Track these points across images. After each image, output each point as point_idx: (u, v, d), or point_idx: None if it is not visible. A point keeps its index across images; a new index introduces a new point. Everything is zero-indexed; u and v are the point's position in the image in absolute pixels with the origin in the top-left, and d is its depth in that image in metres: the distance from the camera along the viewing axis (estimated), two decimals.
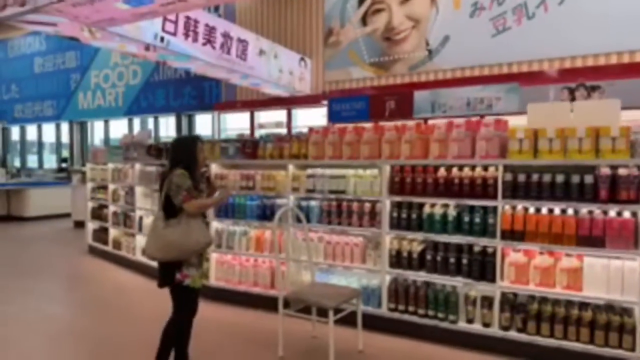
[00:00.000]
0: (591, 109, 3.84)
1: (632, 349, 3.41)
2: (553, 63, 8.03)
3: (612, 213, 3.55)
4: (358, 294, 3.90)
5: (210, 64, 8.10)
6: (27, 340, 4.32)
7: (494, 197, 3.83)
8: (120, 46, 7.27)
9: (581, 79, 7.41)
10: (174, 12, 6.70)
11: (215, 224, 5.47)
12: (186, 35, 7.41)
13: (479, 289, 3.99)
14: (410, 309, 4.26)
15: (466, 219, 4.00)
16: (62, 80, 16.16)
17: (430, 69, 9.23)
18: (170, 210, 3.30)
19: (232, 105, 11.78)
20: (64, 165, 15.56)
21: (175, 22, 7.16)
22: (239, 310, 5.07)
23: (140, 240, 6.75)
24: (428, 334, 4.16)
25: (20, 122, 17.83)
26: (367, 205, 4.50)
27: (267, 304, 4.92)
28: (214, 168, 5.48)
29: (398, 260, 4.33)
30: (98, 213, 8.19)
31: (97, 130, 16.38)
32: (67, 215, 11.83)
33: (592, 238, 3.51)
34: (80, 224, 10.39)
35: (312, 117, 10.72)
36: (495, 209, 3.88)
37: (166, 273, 3.32)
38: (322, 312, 3.83)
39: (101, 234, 7.99)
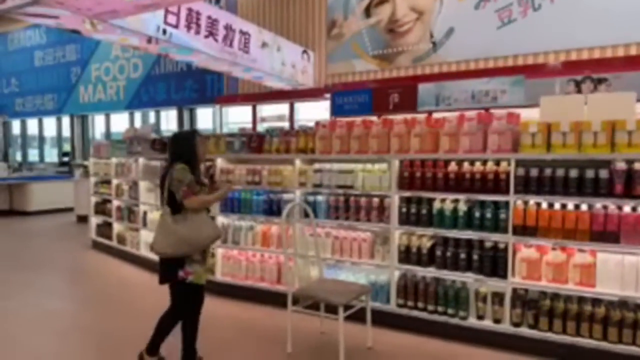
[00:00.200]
0: (606, 101, 3.76)
1: None
2: (559, 55, 7.94)
3: (627, 208, 3.49)
4: (367, 291, 3.85)
5: (212, 57, 8.02)
6: (31, 336, 4.28)
7: (506, 192, 3.77)
8: (121, 39, 7.19)
9: (587, 72, 7.32)
10: (176, 3, 6.63)
11: (221, 219, 5.42)
12: (188, 28, 7.33)
13: (490, 285, 3.94)
14: (420, 305, 4.21)
15: (477, 214, 3.94)
16: (62, 73, 16.06)
17: (434, 62, 9.14)
18: (174, 205, 3.26)
19: (234, 98, 11.69)
20: (65, 159, 15.50)
21: (178, 15, 7.07)
22: (246, 305, 5.03)
23: (145, 235, 6.71)
24: (438, 330, 4.12)
25: (21, 116, 17.76)
26: (376, 200, 4.44)
27: (273, 299, 4.88)
28: (220, 163, 5.42)
29: (407, 255, 4.27)
30: (101, 208, 8.15)
31: (98, 124, 16.30)
32: (70, 209, 11.81)
33: (606, 233, 3.45)
34: (83, 219, 10.34)
35: (314, 111, 10.63)
36: (507, 204, 3.81)
37: (168, 270, 3.29)
38: (331, 308, 3.80)
39: (105, 229, 7.95)
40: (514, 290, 3.84)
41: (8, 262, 7.23)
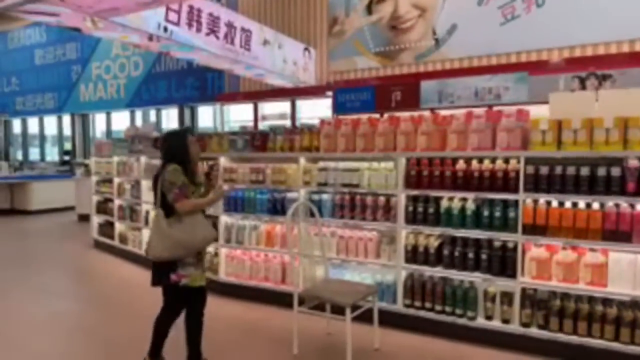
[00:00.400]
0: (617, 98, 3.68)
1: None
2: (563, 52, 7.87)
3: None
4: (374, 291, 3.79)
5: (213, 55, 7.95)
6: (33, 337, 4.24)
7: (515, 190, 3.71)
8: (122, 37, 7.12)
9: (592, 68, 7.25)
10: (177, 1, 6.55)
11: (225, 218, 5.37)
12: (190, 25, 7.26)
13: (499, 284, 3.88)
14: (427, 305, 4.15)
15: (485, 213, 3.88)
16: (63, 72, 15.99)
17: (437, 59, 9.07)
18: (168, 207, 3.19)
19: (235, 96, 11.62)
20: (66, 158, 15.44)
21: (179, 12, 7.00)
22: (250, 305, 4.98)
23: (147, 235, 6.64)
24: (445, 330, 4.06)
25: (22, 114, 17.69)
26: (382, 199, 4.38)
27: (278, 299, 4.83)
28: (223, 161, 5.36)
29: (414, 255, 4.21)
30: (103, 207, 8.10)
31: (99, 123, 16.24)
32: (71, 208, 11.76)
33: (618, 232, 3.39)
34: (84, 218, 10.29)
35: (316, 109, 10.58)
36: (516, 202, 3.75)
37: (160, 272, 3.23)
38: (336, 309, 3.74)
39: (107, 228, 7.90)
40: (523, 290, 3.78)
41: (9, 261, 7.17)
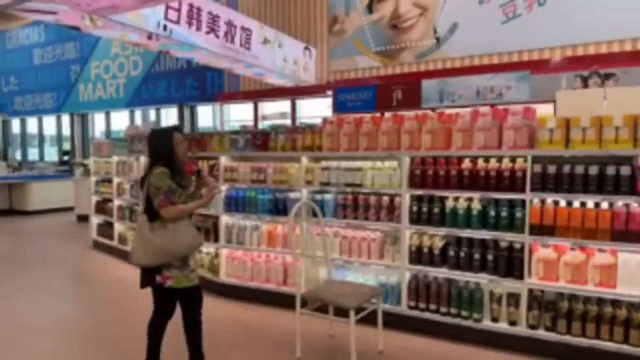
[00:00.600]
0: (626, 95, 3.62)
1: None
2: (565, 50, 7.81)
3: None
4: (378, 293, 3.72)
5: (213, 54, 7.88)
6: (31, 339, 4.17)
7: (522, 190, 3.64)
8: (122, 35, 7.05)
9: (595, 67, 7.20)
10: None
11: (226, 219, 5.30)
12: (189, 24, 7.19)
13: (505, 285, 3.81)
14: (432, 307, 4.08)
15: (492, 213, 3.80)
16: (62, 71, 15.91)
17: (438, 58, 9.01)
18: (152, 212, 3.09)
19: (235, 96, 11.56)
20: (65, 158, 15.37)
21: (179, 10, 6.93)
22: (251, 307, 4.91)
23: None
24: (451, 332, 3.99)
25: (21, 114, 17.62)
26: (385, 199, 4.31)
27: (280, 300, 4.76)
28: (224, 160, 5.29)
29: (418, 256, 4.14)
30: (102, 207, 8.03)
31: (98, 123, 16.16)
32: (70, 209, 11.69)
33: (628, 233, 3.32)
34: (83, 218, 10.22)
35: (316, 108, 10.52)
36: (523, 202, 3.68)
37: (146, 274, 3.16)
38: (339, 310, 3.66)
39: (106, 229, 7.83)
40: (531, 292, 3.71)
41: (8, 262, 7.10)
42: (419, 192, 4.12)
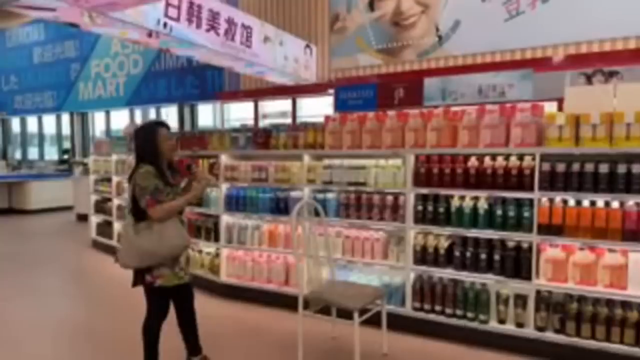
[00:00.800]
0: (637, 92, 3.52)
1: None
2: (568, 48, 7.72)
3: None
4: (382, 294, 3.63)
5: (213, 52, 7.80)
6: (29, 339, 4.11)
7: (530, 188, 3.55)
8: (121, 33, 6.96)
9: (599, 65, 7.14)
10: None
11: (226, 218, 5.21)
12: (189, 21, 7.11)
13: (512, 286, 3.73)
14: (437, 308, 4.00)
15: (499, 212, 3.71)
16: (62, 70, 15.82)
17: (440, 55, 8.92)
18: (139, 212, 3.01)
19: (236, 94, 11.48)
20: (65, 157, 15.31)
21: (178, 7, 6.85)
22: (252, 307, 4.83)
23: None
24: (456, 334, 3.90)
25: (21, 113, 17.54)
26: (389, 198, 4.22)
27: (281, 301, 4.69)
28: (224, 159, 5.21)
29: (423, 256, 4.06)
30: (102, 206, 7.96)
31: (98, 121, 16.08)
32: (70, 208, 11.61)
33: (639, 233, 3.23)
34: (83, 217, 10.15)
35: (317, 107, 10.44)
36: (531, 201, 3.59)
37: (136, 274, 3.10)
38: (342, 312, 3.57)
39: (105, 228, 7.75)
40: (538, 293, 3.63)
41: (7, 262, 7.03)
42: (424, 190, 4.03)
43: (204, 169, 5.27)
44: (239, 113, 11.92)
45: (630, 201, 3.31)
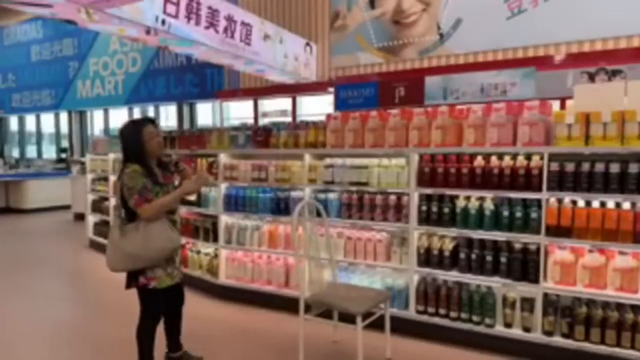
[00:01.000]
0: None
1: None
2: (571, 46, 7.65)
3: None
4: (386, 297, 3.53)
5: (213, 49, 7.70)
6: (26, 343, 4.00)
7: (539, 189, 3.45)
8: (119, 30, 6.86)
9: (602, 63, 7.05)
10: None
11: (225, 218, 5.11)
12: (188, 18, 7.01)
13: (519, 290, 3.63)
14: (442, 311, 3.90)
15: (505, 213, 3.61)
16: (60, 68, 15.72)
17: (441, 54, 8.85)
18: (130, 214, 2.92)
19: (235, 93, 11.39)
20: (63, 155, 15.21)
21: (177, 4, 6.75)
22: (251, 310, 4.73)
23: None
24: (461, 338, 3.80)
25: (18, 111, 17.45)
26: (392, 198, 4.12)
27: (281, 303, 4.59)
28: (223, 158, 5.11)
29: (427, 258, 3.96)
30: (99, 206, 7.86)
31: (97, 120, 15.98)
32: (67, 207, 11.51)
33: None
34: (80, 217, 10.07)
35: (317, 105, 10.36)
36: (539, 202, 3.50)
37: (130, 275, 3.03)
38: (344, 315, 3.48)
39: (102, 228, 7.65)
40: (546, 296, 3.53)
41: (2, 262, 6.93)
42: (428, 191, 3.93)
43: (202, 168, 5.18)
44: (239, 112, 11.84)
45: None
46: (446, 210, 3.85)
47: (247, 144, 4.98)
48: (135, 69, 13.73)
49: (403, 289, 4.10)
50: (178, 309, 3.34)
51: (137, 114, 14.35)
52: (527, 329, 3.60)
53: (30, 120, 17.68)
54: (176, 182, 3.24)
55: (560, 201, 3.46)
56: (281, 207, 4.71)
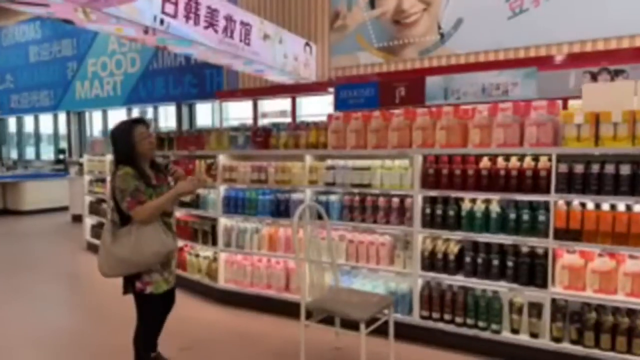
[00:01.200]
0: None
1: None
2: (573, 46, 7.59)
3: None
4: (390, 303, 3.43)
5: (212, 49, 7.63)
6: (22, 348, 3.93)
7: (546, 191, 3.35)
8: (117, 29, 6.78)
9: (604, 63, 6.98)
10: None
11: (224, 221, 5.01)
12: (187, 18, 6.94)
13: (527, 295, 3.53)
14: (446, 317, 3.80)
15: (512, 216, 3.51)
16: (58, 69, 15.66)
17: (442, 54, 8.79)
18: (123, 217, 2.84)
19: (234, 93, 11.32)
20: (61, 156, 15.12)
21: (176, 4, 6.68)
22: (251, 314, 4.64)
23: None
24: (467, 345, 3.71)
25: (17, 112, 17.38)
26: (396, 201, 4.02)
27: (281, 308, 4.50)
28: (222, 159, 5.01)
29: (432, 262, 3.86)
30: (96, 208, 7.76)
31: (95, 121, 15.89)
32: (65, 208, 11.42)
33: None
34: (78, 218, 9.96)
35: (317, 106, 10.29)
36: (546, 204, 3.40)
37: (126, 280, 2.94)
38: (347, 321, 3.38)
39: (99, 230, 7.52)
40: (554, 301, 3.44)
41: (1, 265, 6.83)
42: (433, 193, 3.83)
43: (200, 170, 5.09)
44: (238, 112, 11.77)
45: None
46: (451, 212, 3.76)
47: (246, 144, 4.89)
48: (134, 70, 13.66)
49: (407, 293, 4.00)
50: (165, 312, 3.23)
51: (136, 114, 14.27)
52: (534, 335, 3.50)
53: (28, 121, 17.61)
54: (172, 184, 3.15)
55: (568, 204, 3.37)
56: (281, 210, 4.61)
